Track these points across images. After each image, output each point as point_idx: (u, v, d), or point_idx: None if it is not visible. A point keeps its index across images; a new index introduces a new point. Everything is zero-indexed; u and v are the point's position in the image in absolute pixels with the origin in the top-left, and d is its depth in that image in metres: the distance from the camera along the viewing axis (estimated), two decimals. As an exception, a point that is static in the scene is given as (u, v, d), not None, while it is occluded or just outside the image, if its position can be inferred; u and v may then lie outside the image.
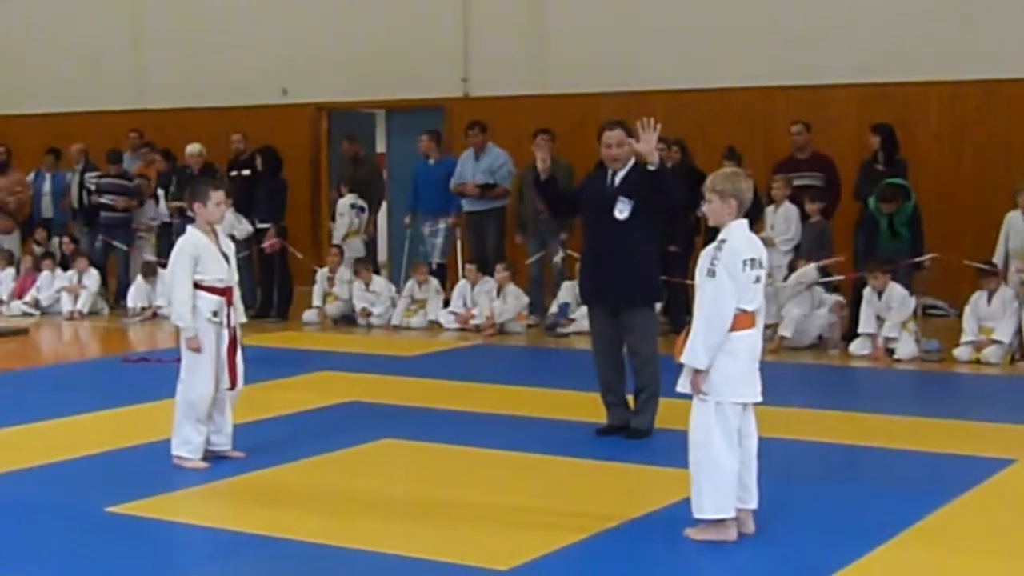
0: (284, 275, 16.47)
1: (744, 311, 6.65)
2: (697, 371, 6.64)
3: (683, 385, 6.75)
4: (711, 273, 6.64)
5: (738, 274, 6.60)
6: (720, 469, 6.61)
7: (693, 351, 6.66)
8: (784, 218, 14.06)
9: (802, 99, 16.43)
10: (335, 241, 16.86)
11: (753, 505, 6.81)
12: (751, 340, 6.71)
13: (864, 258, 13.58)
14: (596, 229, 9.32)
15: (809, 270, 13.55)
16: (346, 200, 16.87)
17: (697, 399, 6.70)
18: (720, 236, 6.73)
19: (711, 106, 17.19)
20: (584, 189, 9.68)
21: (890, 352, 12.76)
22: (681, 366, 6.73)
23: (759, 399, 6.78)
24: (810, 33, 16.61)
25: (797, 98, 16.51)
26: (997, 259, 13.30)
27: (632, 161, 9.19)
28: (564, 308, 14.84)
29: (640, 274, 9.16)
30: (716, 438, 6.61)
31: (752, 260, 6.66)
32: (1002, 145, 15.83)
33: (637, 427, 9.22)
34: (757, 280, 6.69)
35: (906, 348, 12.71)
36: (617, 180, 9.20)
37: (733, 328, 6.61)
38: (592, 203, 9.35)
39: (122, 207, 17.75)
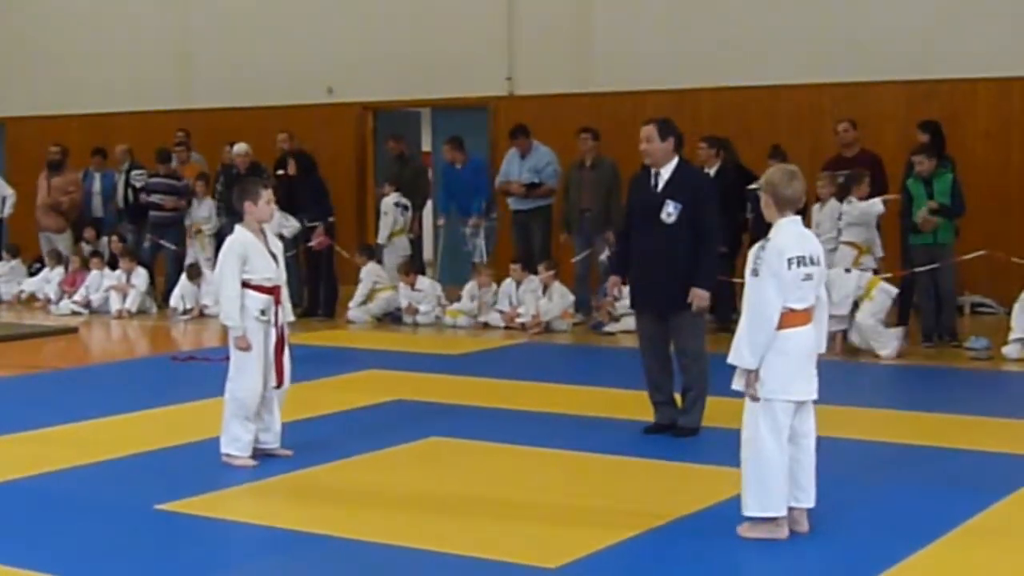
0: (330, 273, 16.52)
1: (793, 309, 6.62)
2: (748, 370, 6.63)
3: (737, 383, 6.74)
4: (755, 272, 6.62)
5: (783, 272, 6.57)
6: (766, 466, 6.59)
7: (738, 350, 6.65)
8: (830, 216, 13.98)
9: (849, 96, 16.38)
10: (380, 240, 16.87)
11: (809, 504, 6.78)
12: (802, 338, 6.68)
13: (903, 230, 13.58)
14: (644, 233, 9.16)
15: (875, 202, 13.41)
16: (390, 199, 16.89)
17: (748, 399, 6.69)
18: (768, 235, 6.72)
19: (757, 104, 17.15)
20: (631, 194, 9.52)
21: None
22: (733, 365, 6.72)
23: (813, 397, 6.75)
24: (857, 30, 16.55)
25: (844, 95, 16.45)
26: None
27: (676, 160, 9.13)
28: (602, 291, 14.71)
29: (682, 279, 8.98)
30: (764, 435, 6.59)
31: (800, 258, 6.62)
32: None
33: (685, 425, 9.17)
34: (807, 278, 6.65)
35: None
36: (661, 182, 9.09)
37: (783, 326, 6.58)
38: (639, 207, 9.22)
39: (170, 207, 17.83)
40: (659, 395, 9.34)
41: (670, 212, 8.94)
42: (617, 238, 9.61)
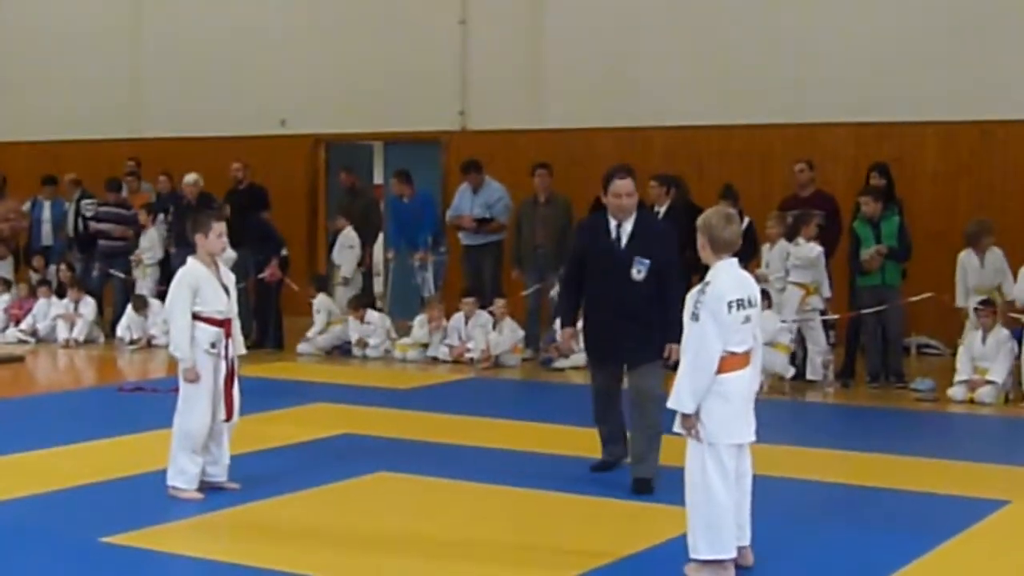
0: (276, 306, 16.49)
1: (734, 353, 6.65)
2: (686, 416, 6.65)
3: (678, 426, 6.76)
4: (695, 317, 6.64)
5: (723, 317, 6.60)
6: (717, 510, 6.60)
7: (678, 395, 6.66)
8: (779, 256, 14.06)
9: (800, 137, 16.48)
10: (345, 275, 16.76)
11: (746, 542, 6.82)
12: (742, 382, 6.71)
13: (851, 271, 13.69)
14: (606, 288, 8.79)
15: (813, 247, 13.57)
16: (350, 231, 16.80)
17: (690, 441, 6.70)
18: (706, 278, 6.74)
19: (709, 143, 17.24)
20: (588, 243, 9.02)
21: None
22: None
23: (753, 439, 6.79)
24: (808, 72, 16.66)
25: (795, 136, 16.56)
26: (958, 299, 13.36)
27: (635, 210, 8.84)
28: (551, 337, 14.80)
29: (653, 332, 8.58)
30: (713, 480, 6.61)
31: (739, 301, 6.66)
32: (997, 186, 15.89)
33: (642, 476, 8.63)
34: (746, 320, 6.69)
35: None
36: (624, 235, 8.76)
37: (724, 370, 6.61)
38: (601, 260, 8.82)
39: (119, 235, 17.75)
40: (608, 432, 9.19)
41: (639, 270, 8.64)
42: (563, 286, 9.25)
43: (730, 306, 6.62)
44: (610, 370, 9.00)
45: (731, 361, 6.65)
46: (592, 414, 9.28)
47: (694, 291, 6.72)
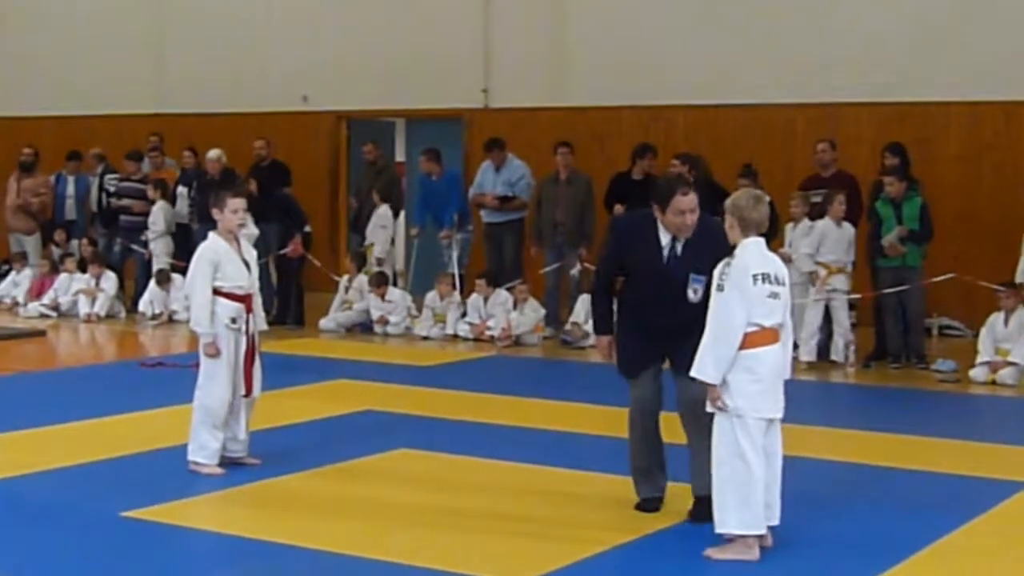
0: (299, 282, 16.50)
1: (762, 327, 6.65)
2: (712, 385, 6.64)
3: (710, 405, 6.75)
4: (720, 288, 6.69)
5: (748, 288, 6.63)
6: (750, 483, 6.61)
7: (702, 364, 6.69)
8: (802, 235, 14.01)
9: (822, 117, 16.42)
10: (378, 254, 16.70)
11: (775, 522, 6.81)
12: (772, 357, 6.72)
13: (871, 253, 13.65)
14: (655, 299, 7.55)
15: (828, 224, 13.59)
16: (385, 210, 16.74)
17: (718, 415, 6.70)
18: (733, 253, 6.77)
19: (732, 123, 17.19)
20: (630, 250, 7.70)
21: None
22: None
23: (780, 415, 6.78)
24: (831, 52, 16.60)
25: (817, 116, 16.50)
26: (1020, 277, 13.18)
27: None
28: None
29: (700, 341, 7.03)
30: (747, 453, 6.62)
31: (764, 275, 6.68)
32: (1021, 167, 15.82)
33: (707, 495, 7.06)
34: (773, 296, 6.70)
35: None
36: (679, 247, 7.49)
37: (753, 344, 6.62)
38: (648, 275, 7.58)
39: (139, 211, 17.76)
40: (658, 464, 7.80)
41: (696, 289, 7.39)
42: (596, 291, 7.96)
43: (755, 279, 6.64)
44: (648, 378, 7.67)
45: (761, 335, 6.66)
46: (634, 448, 7.79)
47: (720, 265, 6.74)
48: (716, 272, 6.75)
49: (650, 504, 7.68)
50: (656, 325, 7.53)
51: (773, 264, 6.80)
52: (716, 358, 6.64)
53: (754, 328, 6.65)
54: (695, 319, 7.08)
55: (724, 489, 6.67)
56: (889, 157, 14.11)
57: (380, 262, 16.55)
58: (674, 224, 7.40)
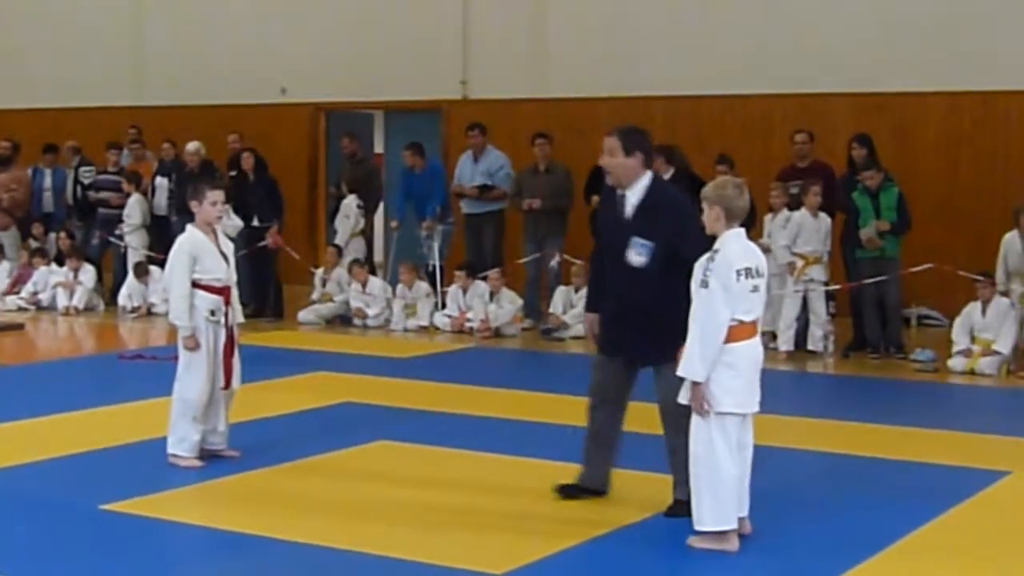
0: (276, 274, 16.48)
1: (742, 322, 6.66)
2: (696, 383, 6.65)
3: (683, 397, 6.76)
4: (704, 284, 6.63)
5: (732, 284, 6.60)
6: (722, 481, 6.63)
7: (689, 362, 6.66)
8: (781, 225, 14.03)
9: (799, 108, 16.44)
10: (338, 241, 16.79)
11: (744, 512, 6.84)
12: (752, 350, 6.73)
13: (846, 245, 13.65)
14: (612, 271, 7.47)
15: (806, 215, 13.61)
16: (351, 200, 16.83)
17: (696, 412, 6.71)
18: (714, 246, 6.74)
19: (709, 113, 17.22)
20: (601, 213, 7.89)
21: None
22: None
23: (757, 409, 6.80)
24: (808, 42, 16.63)
25: (795, 106, 16.52)
26: (998, 281, 13.11)
27: (647, 179, 7.39)
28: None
29: (665, 330, 7.12)
30: (719, 450, 6.63)
31: (747, 269, 6.66)
32: (999, 156, 15.86)
33: (685, 499, 7.06)
34: (754, 290, 6.69)
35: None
36: (629, 208, 7.37)
37: (733, 339, 6.62)
38: (606, 236, 7.58)
39: (117, 203, 17.71)
40: (599, 452, 7.75)
41: (639, 251, 7.24)
42: (589, 264, 7.95)
43: (739, 274, 6.62)
44: (614, 367, 7.59)
45: (740, 330, 6.66)
46: (587, 428, 7.82)
47: (703, 259, 6.70)
48: (699, 267, 6.69)
49: (568, 491, 7.71)
50: (615, 296, 7.46)
51: (755, 257, 6.79)
52: (703, 356, 6.61)
53: (734, 323, 6.64)
54: (643, 288, 7.20)
55: (700, 485, 6.69)
56: (856, 148, 14.13)
57: (339, 250, 16.52)
58: (603, 167, 7.49)
